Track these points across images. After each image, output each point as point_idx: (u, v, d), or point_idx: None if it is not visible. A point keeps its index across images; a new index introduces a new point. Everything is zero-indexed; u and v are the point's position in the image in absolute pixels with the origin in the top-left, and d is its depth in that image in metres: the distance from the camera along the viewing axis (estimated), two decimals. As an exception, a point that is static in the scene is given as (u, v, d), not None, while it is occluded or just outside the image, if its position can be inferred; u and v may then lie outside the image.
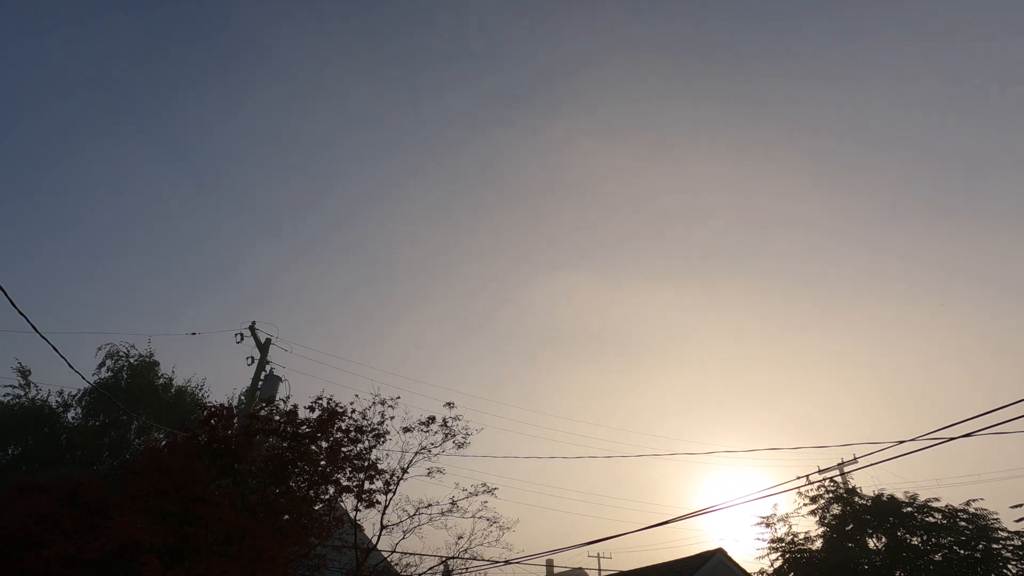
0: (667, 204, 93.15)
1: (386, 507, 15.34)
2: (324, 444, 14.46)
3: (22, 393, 24.36)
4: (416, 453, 15.84)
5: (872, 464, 10.12)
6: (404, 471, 15.63)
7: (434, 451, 15.91)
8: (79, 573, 9.70)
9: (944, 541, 18.46)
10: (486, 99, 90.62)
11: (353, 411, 15.24)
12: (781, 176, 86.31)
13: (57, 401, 24.79)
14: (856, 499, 21.01)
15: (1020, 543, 17.68)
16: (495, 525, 15.98)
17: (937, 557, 18.31)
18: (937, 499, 19.42)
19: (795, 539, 21.07)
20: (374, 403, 15.67)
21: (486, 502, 15.99)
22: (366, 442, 15.08)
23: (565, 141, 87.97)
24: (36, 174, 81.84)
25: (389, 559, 16.73)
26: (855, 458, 25.19)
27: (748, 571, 17.84)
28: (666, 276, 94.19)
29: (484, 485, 16.07)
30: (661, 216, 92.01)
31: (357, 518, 15.37)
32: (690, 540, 63.20)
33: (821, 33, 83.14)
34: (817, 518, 21.12)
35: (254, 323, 20.42)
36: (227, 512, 11.08)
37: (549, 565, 37.68)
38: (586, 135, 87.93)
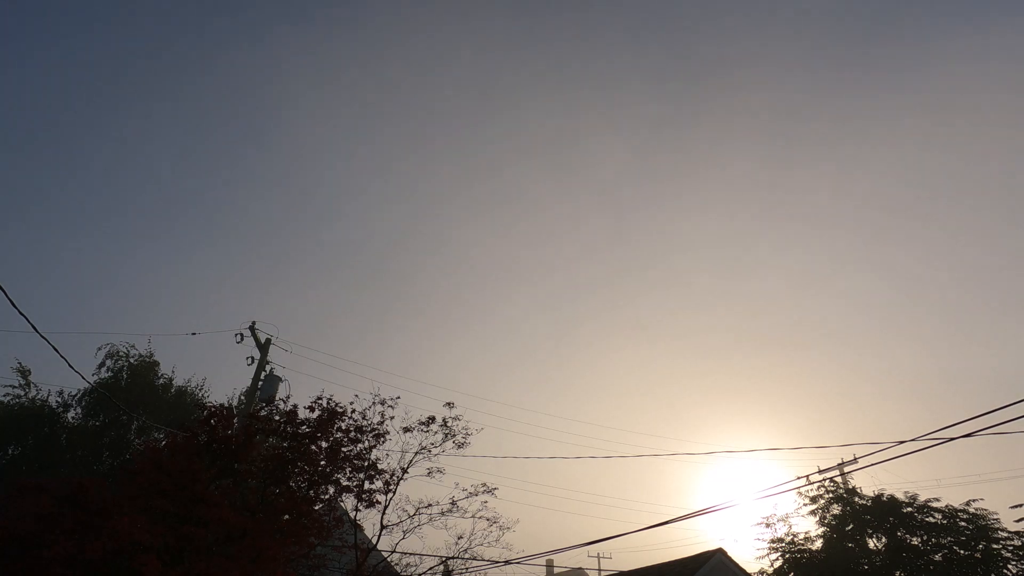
0: (667, 207, 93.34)
1: (386, 507, 15.38)
2: (324, 444, 14.47)
3: (22, 393, 24.40)
4: (416, 453, 15.91)
5: (872, 464, 10.11)
6: (404, 471, 15.68)
7: (434, 451, 15.98)
8: (79, 573, 9.69)
9: (944, 541, 18.45)
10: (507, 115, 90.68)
11: (353, 411, 15.29)
12: (777, 178, 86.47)
13: (57, 401, 24.84)
14: (856, 499, 20.99)
15: (1020, 543, 17.68)
16: (495, 525, 16.05)
17: (937, 557, 18.30)
18: (937, 499, 19.43)
19: (795, 539, 21.06)
20: (374, 403, 15.73)
21: (486, 502, 16.06)
22: (366, 442, 15.10)
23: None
24: (36, 173, 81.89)
25: (389, 559, 16.76)
26: (855, 458, 25.14)
27: (748, 571, 17.85)
28: (667, 278, 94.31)
29: (484, 485, 16.14)
30: (662, 222, 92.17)
31: (357, 518, 15.39)
32: (690, 540, 63.31)
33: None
34: (817, 518, 21.11)
35: (254, 323, 20.43)
36: (227, 512, 11.07)
37: (549, 565, 37.73)
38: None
